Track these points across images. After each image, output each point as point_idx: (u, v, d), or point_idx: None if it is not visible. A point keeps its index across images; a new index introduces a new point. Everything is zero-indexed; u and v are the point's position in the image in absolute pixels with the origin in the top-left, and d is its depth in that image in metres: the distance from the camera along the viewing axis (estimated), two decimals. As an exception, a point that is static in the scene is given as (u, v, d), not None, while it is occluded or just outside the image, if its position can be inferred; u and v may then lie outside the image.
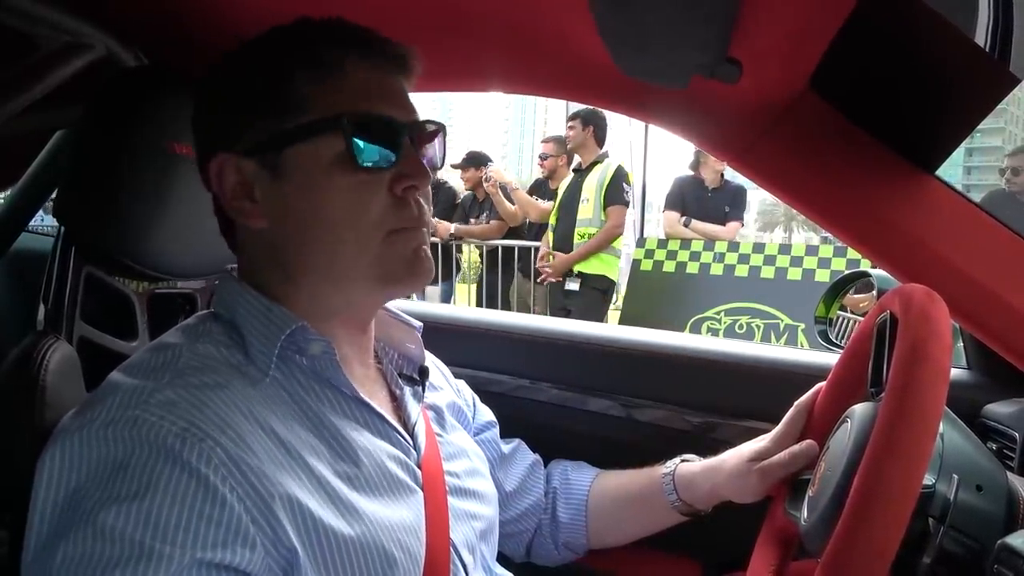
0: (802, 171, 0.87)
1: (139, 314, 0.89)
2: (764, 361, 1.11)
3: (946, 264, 0.81)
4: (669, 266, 4.05)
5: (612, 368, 1.18)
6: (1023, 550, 0.53)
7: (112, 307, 0.87)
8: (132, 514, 0.52)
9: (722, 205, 4.23)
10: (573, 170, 4.08)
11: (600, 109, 3.42)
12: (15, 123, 0.92)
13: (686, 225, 4.20)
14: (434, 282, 4.87)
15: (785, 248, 3.91)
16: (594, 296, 3.81)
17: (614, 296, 4.27)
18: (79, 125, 0.81)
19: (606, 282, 3.84)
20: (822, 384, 0.84)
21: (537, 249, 4.28)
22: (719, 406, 1.10)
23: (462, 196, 5.10)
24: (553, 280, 3.87)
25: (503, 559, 0.89)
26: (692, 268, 4.00)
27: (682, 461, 0.93)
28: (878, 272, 1.12)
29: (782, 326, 3.66)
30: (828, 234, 0.99)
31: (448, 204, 5.01)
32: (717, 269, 3.94)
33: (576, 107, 3.92)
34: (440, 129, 0.73)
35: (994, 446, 0.88)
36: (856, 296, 1.23)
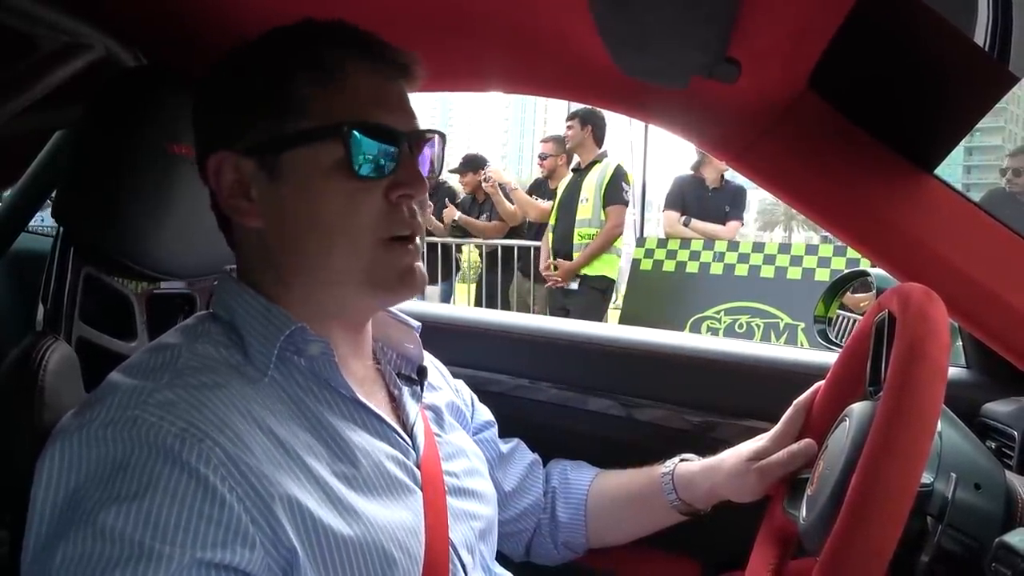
0: (802, 171, 0.87)
1: (138, 314, 0.89)
2: (764, 360, 1.11)
3: (945, 263, 0.81)
4: (669, 265, 4.05)
5: (612, 368, 1.18)
6: (1021, 548, 0.53)
7: (111, 307, 0.87)
8: (132, 514, 0.52)
9: (722, 205, 4.23)
10: (572, 170, 4.08)
11: (599, 109, 3.42)
12: (15, 123, 0.92)
13: (686, 224, 4.20)
14: (434, 282, 4.87)
15: (785, 247, 3.92)
16: (594, 296, 3.81)
17: (614, 295, 4.27)
18: (78, 125, 0.81)
19: (605, 282, 3.84)
20: (821, 383, 0.84)
21: (537, 249, 4.29)
22: (719, 405, 1.10)
23: (461, 197, 5.10)
24: (561, 286, 3.87)
25: (502, 558, 0.89)
26: (692, 267, 4.00)
27: (681, 461, 0.93)
28: (877, 271, 1.11)
29: (782, 325, 3.67)
30: (828, 233, 0.99)
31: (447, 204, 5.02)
32: (717, 268, 3.94)
33: (576, 106, 3.92)
34: (440, 137, 0.73)
35: (993, 445, 0.88)
36: (855, 295, 1.23)
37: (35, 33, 0.86)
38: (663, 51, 0.74)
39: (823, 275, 3.62)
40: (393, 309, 0.81)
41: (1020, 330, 0.82)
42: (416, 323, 0.82)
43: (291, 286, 0.69)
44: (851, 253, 3.49)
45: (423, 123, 0.72)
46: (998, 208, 0.83)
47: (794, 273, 3.76)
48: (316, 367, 0.68)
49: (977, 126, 0.84)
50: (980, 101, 0.76)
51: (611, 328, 1.54)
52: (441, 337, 0.98)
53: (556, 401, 1.19)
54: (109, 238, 0.78)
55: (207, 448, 0.56)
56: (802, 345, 3.38)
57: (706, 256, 3.99)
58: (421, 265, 0.70)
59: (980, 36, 0.76)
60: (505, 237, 4.69)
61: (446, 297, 5.11)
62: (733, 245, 3.99)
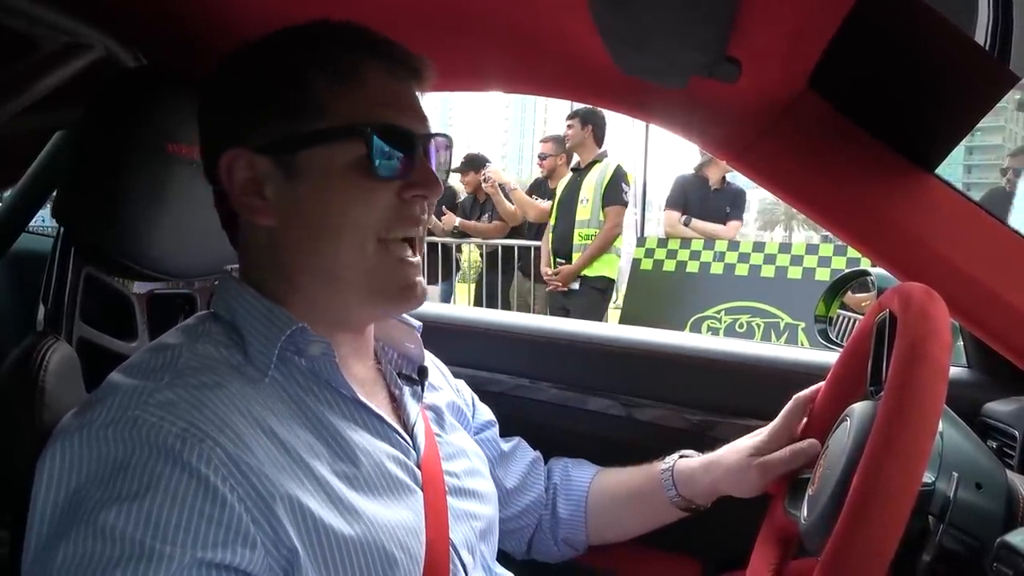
0: (802, 170, 0.87)
1: (139, 315, 0.89)
2: (764, 360, 1.11)
3: (946, 263, 0.81)
4: (669, 265, 4.05)
5: (612, 367, 1.18)
6: (1022, 548, 0.53)
7: (112, 307, 0.87)
8: (132, 514, 0.52)
9: (723, 205, 4.23)
10: (572, 169, 4.08)
11: (599, 108, 3.42)
12: (15, 123, 0.92)
13: (686, 224, 4.20)
14: (434, 282, 4.88)
15: (785, 247, 3.92)
16: (594, 295, 3.81)
17: (614, 295, 4.27)
18: (78, 125, 0.81)
19: (605, 281, 3.84)
20: (822, 384, 0.84)
21: (538, 249, 4.29)
22: (719, 405, 1.10)
23: (462, 197, 5.11)
24: (563, 290, 3.87)
25: (504, 558, 0.89)
26: (692, 267, 4.00)
27: (680, 457, 0.93)
28: (878, 271, 1.11)
29: (782, 325, 3.67)
30: (828, 233, 0.99)
31: (448, 205, 5.02)
32: (717, 268, 3.94)
33: (578, 105, 3.92)
34: (448, 141, 0.74)
35: (994, 444, 0.88)
36: (856, 295, 1.23)
37: (35, 33, 0.86)
38: (662, 50, 0.74)
39: (823, 275, 3.62)
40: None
41: (1021, 329, 0.82)
42: (417, 323, 0.82)
43: (297, 286, 0.69)
44: (852, 252, 3.49)
45: None
46: (999, 208, 0.82)
47: (794, 273, 3.76)
48: (317, 367, 0.68)
49: (978, 125, 0.84)
50: (981, 100, 0.76)
51: (611, 328, 1.54)
52: (441, 337, 0.98)
53: (556, 401, 1.19)
54: (108, 238, 0.78)
55: (208, 448, 0.56)
56: (803, 345, 3.38)
57: (706, 256, 3.99)
58: (422, 280, 0.71)
59: (981, 35, 0.76)
60: (505, 237, 4.69)
61: (446, 297, 5.11)
62: (733, 245, 3.99)
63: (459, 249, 5.25)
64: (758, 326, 3.72)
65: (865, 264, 1.26)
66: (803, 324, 3.54)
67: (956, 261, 0.81)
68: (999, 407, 0.91)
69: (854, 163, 0.84)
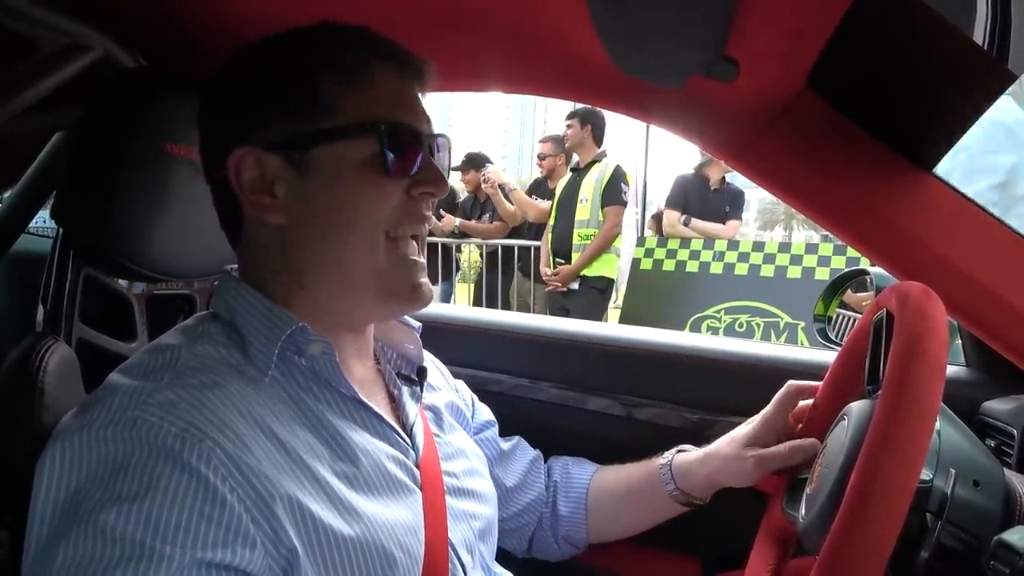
0: (800, 169, 0.87)
1: (138, 315, 0.89)
2: (764, 359, 1.11)
3: (944, 262, 0.81)
4: (669, 265, 4.06)
5: (612, 367, 1.18)
6: (1019, 546, 0.53)
7: (111, 308, 0.87)
8: (132, 514, 0.52)
9: (723, 205, 4.24)
10: (571, 169, 4.08)
11: (598, 108, 3.42)
12: (14, 124, 0.92)
13: (686, 224, 4.20)
14: (434, 282, 4.86)
15: (785, 246, 3.92)
16: (593, 295, 3.81)
17: (614, 295, 4.27)
18: (78, 126, 0.81)
19: (605, 281, 3.84)
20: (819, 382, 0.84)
21: (537, 249, 4.29)
22: (719, 404, 1.10)
23: (462, 197, 5.10)
24: (562, 290, 3.87)
25: (504, 557, 0.89)
26: (692, 267, 4.00)
27: (678, 452, 0.94)
28: (877, 270, 1.11)
29: (782, 324, 3.67)
30: (827, 232, 0.99)
31: (448, 205, 5.02)
32: (717, 268, 3.94)
33: (578, 106, 3.92)
34: (448, 142, 0.76)
35: (992, 443, 0.88)
36: (855, 294, 1.23)
37: (35, 35, 0.86)
38: (661, 50, 0.74)
39: (823, 274, 3.63)
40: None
41: (1019, 329, 0.82)
42: (416, 323, 0.82)
43: (305, 284, 0.69)
44: (851, 252, 3.50)
45: None
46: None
47: (794, 272, 3.76)
48: (317, 367, 0.68)
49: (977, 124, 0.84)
50: (979, 99, 0.76)
51: (611, 328, 1.54)
52: (441, 337, 0.98)
53: (556, 401, 1.19)
54: (107, 239, 0.78)
55: (207, 448, 0.56)
56: (802, 344, 3.38)
57: (706, 255, 3.99)
58: (428, 282, 0.72)
59: (979, 33, 0.76)
60: (505, 237, 4.69)
61: (446, 297, 5.12)
62: (733, 244, 4.00)
63: (459, 249, 5.24)
64: (758, 325, 3.72)
65: (864, 263, 1.26)
66: (803, 323, 3.54)
67: (955, 260, 0.81)
68: (997, 406, 0.92)
69: (853, 162, 0.84)
